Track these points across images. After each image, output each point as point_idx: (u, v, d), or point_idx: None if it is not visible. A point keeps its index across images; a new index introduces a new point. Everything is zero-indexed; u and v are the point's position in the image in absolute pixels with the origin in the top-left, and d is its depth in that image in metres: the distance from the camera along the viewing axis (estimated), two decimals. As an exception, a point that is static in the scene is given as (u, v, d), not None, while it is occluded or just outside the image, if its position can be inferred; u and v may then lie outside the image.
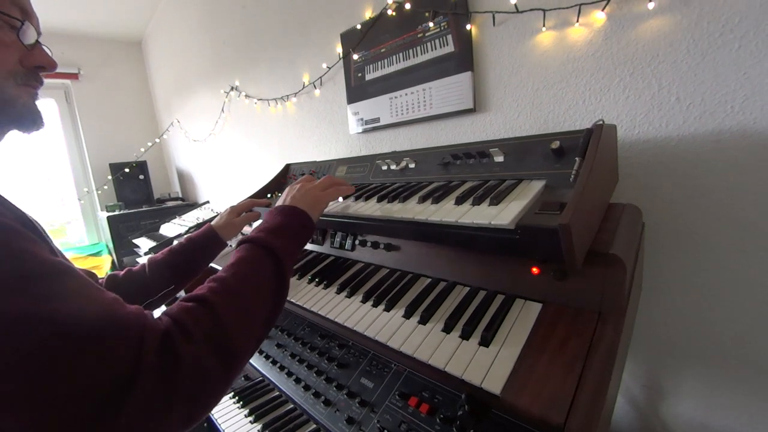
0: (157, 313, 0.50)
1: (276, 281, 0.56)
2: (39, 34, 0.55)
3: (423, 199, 0.75)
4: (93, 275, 0.76)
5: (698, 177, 0.81)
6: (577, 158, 0.65)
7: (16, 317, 0.34)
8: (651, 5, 0.80)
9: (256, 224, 1.45)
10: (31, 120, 0.55)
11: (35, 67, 0.54)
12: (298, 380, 0.97)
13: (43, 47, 0.56)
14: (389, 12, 1.28)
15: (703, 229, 0.82)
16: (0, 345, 0.33)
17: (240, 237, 0.71)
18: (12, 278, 0.35)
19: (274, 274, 0.56)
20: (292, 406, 0.99)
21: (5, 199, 0.44)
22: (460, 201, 0.69)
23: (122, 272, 0.90)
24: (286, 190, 0.76)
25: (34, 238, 0.40)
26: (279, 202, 0.72)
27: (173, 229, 2.33)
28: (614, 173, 0.82)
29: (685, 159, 0.82)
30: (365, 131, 1.52)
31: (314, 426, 0.90)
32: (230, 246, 1.47)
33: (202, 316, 0.45)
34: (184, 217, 2.49)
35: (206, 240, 0.98)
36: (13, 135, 0.57)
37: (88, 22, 3.06)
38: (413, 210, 0.72)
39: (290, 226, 0.64)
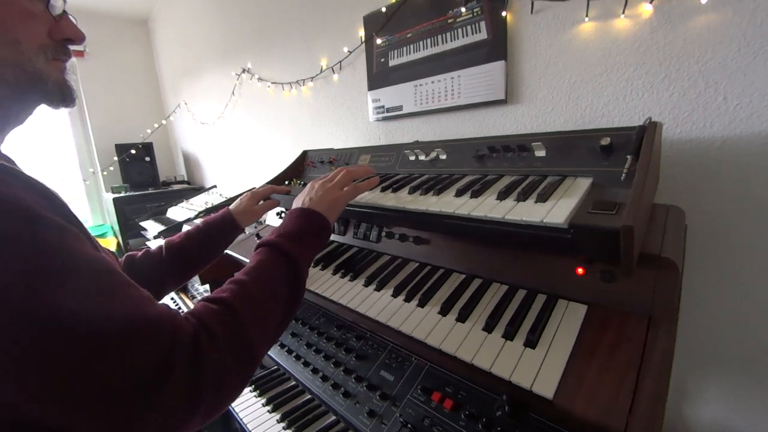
0: (168, 301, 0.50)
1: (292, 288, 0.58)
2: (65, 2, 0.53)
3: (460, 193, 0.72)
4: (114, 255, 0.76)
5: (741, 180, 0.79)
6: (628, 156, 0.62)
7: (54, 315, 0.34)
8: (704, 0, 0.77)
9: (271, 214, 1.44)
10: (61, 97, 0.54)
11: (63, 39, 0.53)
12: (315, 370, 0.96)
13: (70, 17, 0.54)
14: (418, -5, 1.24)
15: (743, 234, 0.80)
16: (38, 343, 0.34)
17: (259, 228, 0.70)
18: (56, 276, 0.36)
19: (290, 281, 0.58)
20: (309, 396, 0.98)
21: (53, 193, 0.43)
22: (502, 196, 0.66)
23: (140, 253, 0.89)
24: (308, 186, 0.77)
25: (78, 234, 0.41)
26: (298, 202, 0.74)
27: (180, 212, 2.30)
28: (658, 173, 0.80)
29: (729, 161, 0.80)
30: (386, 119, 1.48)
31: (334, 417, 0.89)
32: (246, 233, 1.45)
33: (227, 321, 0.47)
34: (191, 201, 2.46)
35: (224, 225, 0.95)
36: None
37: (94, -3, 2.98)
38: (452, 204, 0.69)
39: (308, 231, 0.66)
